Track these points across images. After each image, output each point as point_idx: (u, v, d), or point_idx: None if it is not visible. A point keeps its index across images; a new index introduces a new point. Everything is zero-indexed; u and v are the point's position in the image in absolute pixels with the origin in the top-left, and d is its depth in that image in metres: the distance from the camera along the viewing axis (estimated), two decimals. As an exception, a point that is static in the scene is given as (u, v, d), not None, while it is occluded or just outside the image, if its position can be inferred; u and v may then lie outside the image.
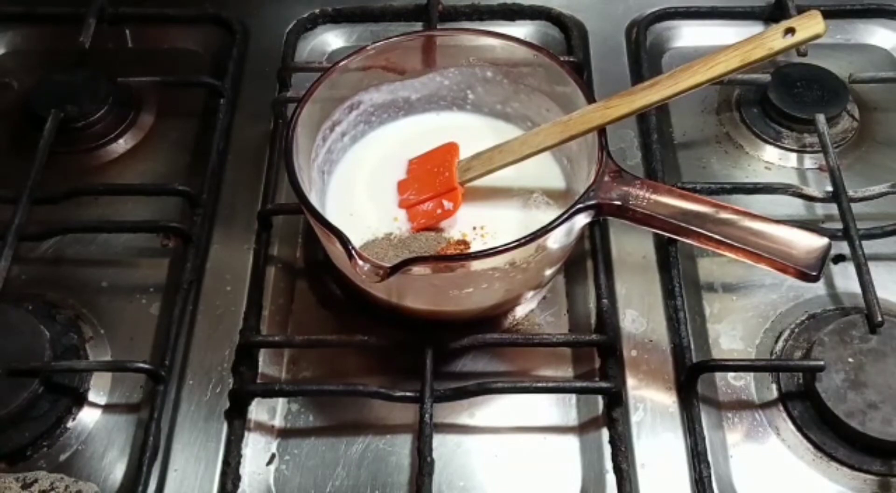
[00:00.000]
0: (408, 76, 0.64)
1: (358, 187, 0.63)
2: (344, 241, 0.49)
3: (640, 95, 0.54)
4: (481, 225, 0.60)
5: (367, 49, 0.60)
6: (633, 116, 0.56)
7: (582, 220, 0.53)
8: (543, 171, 0.62)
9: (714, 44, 0.78)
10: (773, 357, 0.59)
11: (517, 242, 0.49)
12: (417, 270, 0.49)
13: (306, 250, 0.66)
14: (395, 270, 0.48)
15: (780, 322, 0.61)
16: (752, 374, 0.59)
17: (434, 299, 0.57)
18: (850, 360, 0.56)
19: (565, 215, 0.51)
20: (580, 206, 0.51)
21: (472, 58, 0.63)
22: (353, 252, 0.48)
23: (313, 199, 0.56)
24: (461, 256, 0.51)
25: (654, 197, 0.51)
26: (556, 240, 0.53)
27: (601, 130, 0.54)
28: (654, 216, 0.51)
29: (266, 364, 0.60)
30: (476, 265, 0.51)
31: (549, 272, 0.60)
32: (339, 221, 0.52)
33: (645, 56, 0.74)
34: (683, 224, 0.50)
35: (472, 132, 0.64)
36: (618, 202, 0.51)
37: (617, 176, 0.52)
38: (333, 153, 0.64)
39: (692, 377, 0.57)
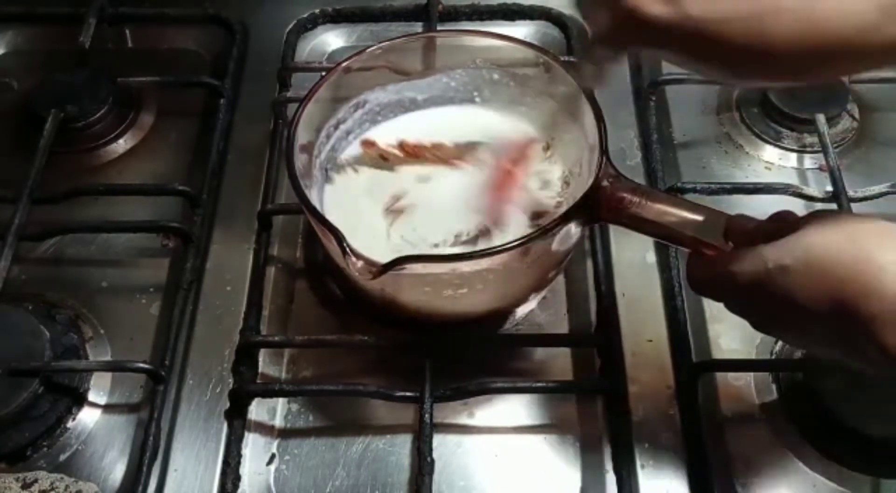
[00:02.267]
0: (414, 76, 0.64)
1: (360, 183, 0.63)
2: (339, 237, 0.49)
3: None
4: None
5: (371, 50, 0.60)
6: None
7: (578, 224, 0.53)
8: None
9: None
10: (773, 357, 0.59)
11: (506, 246, 0.49)
12: (411, 268, 0.49)
13: (306, 250, 0.66)
14: (387, 267, 0.48)
15: (780, 322, 0.61)
16: (752, 374, 0.59)
17: (431, 299, 0.57)
18: (850, 360, 0.56)
19: (558, 220, 0.50)
20: (575, 210, 0.51)
21: (478, 59, 0.63)
22: (347, 248, 0.49)
23: (314, 195, 0.56)
24: (452, 256, 0.51)
25: (652, 204, 0.50)
26: (552, 243, 0.53)
27: (603, 136, 0.54)
28: (651, 223, 0.50)
29: (266, 364, 0.60)
30: (468, 266, 0.51)
31: (548, 275, 0.60)
32: (337, 215, 0.52)
33: (645, 56, 0.74)
34: (681, 232, 0.49)
35: (478, 129, 0.64)
36: (615, 208, 0.51)
37: (615, 181, 0.52)
38: (337, 151, 0.63)
39: (692, 377, 0.57)
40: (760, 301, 0.42)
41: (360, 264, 0.48)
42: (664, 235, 0.50)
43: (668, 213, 0.49)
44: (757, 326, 0.45)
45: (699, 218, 0.48)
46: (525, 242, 0.49)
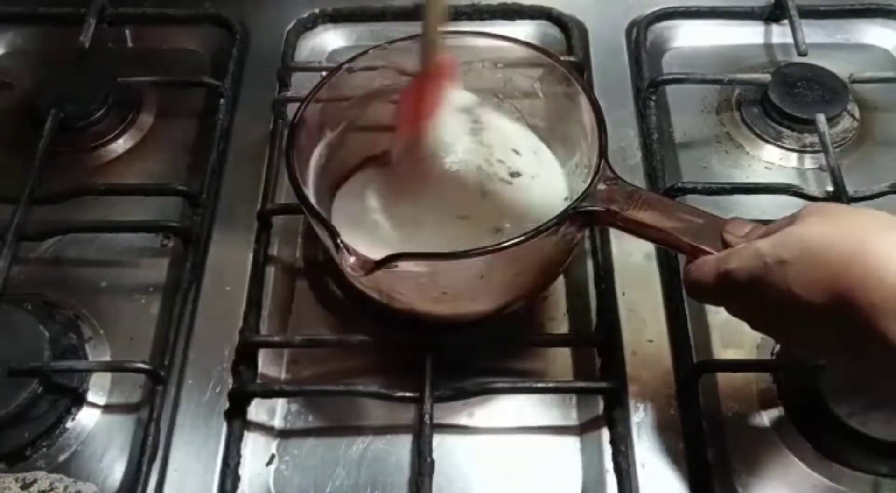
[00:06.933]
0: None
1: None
2: (333, 233, 0.49)
3: None
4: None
5: (373, 50, 0.60)
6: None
7: (573, 227, 0.53)
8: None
9: (714, 44, 0.79)
10: (773, 357, 0.59)
11: (499, 246, 0.49)
12: (404, 265, 0.49)
13: (306, 249, 0.66)
14: (380, 264, 0.48)
15: (780, 322, 0.61)
16: (752, 374, 0.59)
17: (428, 298, 0.56)
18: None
19: (554, 221, 0.50)
20: (571, 212, 0.51)
21: (485, 61, 0.63)
22: (341, 245, 0.48)
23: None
24: (445, 254, 0.51)
25: (648, 209, 0.50)
26: (548, 245, 0.52)
27: (602, 136, 0.54)
28: (647, 227, 0.50)
29: (266, 364, 0.60)
30: (461, 265, 0.50)
31: (547, 276, 0.59)
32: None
33: (645, 56, 0.74)
34: (678, 236, 0.49)
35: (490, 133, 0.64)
36: (611, 211, 0.50)
37: (612, 184, 0.51)
38: (346, 142, 0.63)
39: (692, 377, 0.57)
40: (760, 298, 0.42)
41: (352, 260, 0.48)
42: (661, 240, 0.50)
43: (664, 217, 0.49)
44: (757, 326, 0.45)
45: (696, 223, 0.48)
46: (519, 243, 0.49)
